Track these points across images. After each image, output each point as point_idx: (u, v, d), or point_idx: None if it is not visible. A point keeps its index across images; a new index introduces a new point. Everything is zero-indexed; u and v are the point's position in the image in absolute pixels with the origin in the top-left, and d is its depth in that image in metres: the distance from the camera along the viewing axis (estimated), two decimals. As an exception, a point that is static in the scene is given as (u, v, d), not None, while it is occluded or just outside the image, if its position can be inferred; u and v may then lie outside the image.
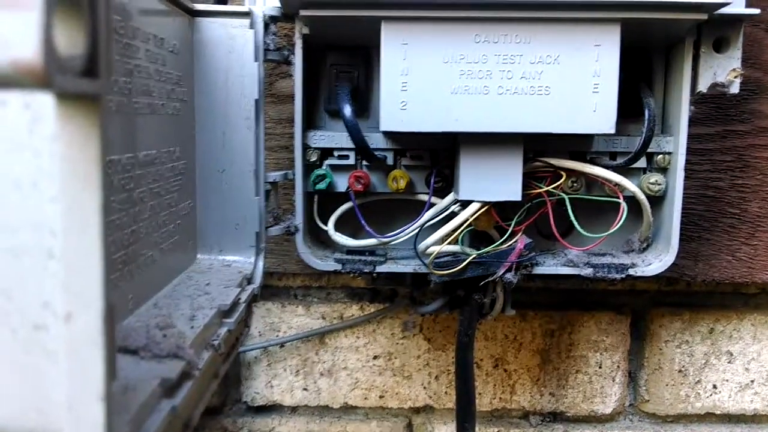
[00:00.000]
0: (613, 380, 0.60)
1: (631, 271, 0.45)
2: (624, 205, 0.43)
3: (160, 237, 0.35)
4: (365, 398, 0.61)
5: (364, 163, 0.46)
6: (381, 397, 0.61)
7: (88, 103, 0.16)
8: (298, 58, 0.43)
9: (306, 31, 0.42)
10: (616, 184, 0.44)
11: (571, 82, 0.40)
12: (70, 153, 0.16)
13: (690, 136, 0.52)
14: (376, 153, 0.45)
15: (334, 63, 0.46)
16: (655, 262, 0.46)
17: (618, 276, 0.45)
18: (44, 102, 0.18)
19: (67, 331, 0.17)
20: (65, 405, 0.17)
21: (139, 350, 0.26)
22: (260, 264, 0.41)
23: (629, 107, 0.44)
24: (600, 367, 0.60)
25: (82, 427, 0.17)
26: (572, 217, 0.43)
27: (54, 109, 0.16)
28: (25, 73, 0.14)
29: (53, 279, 0.18)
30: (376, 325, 0.60)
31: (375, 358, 0.60)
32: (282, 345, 0.60)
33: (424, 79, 0.40)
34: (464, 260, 0.44)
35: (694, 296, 0.59)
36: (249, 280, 0.40)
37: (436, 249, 0.44)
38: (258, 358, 0.60)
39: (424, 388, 0.61)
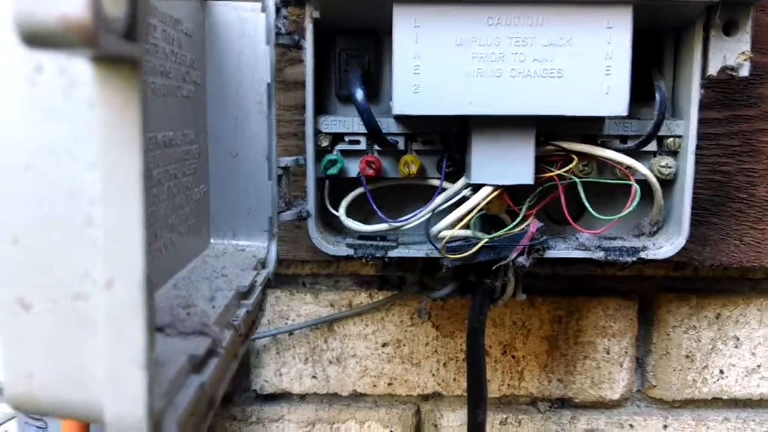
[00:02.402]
0: (621, 366, 0.60)
1: (642, 255, 0.45)
2: (636, 187, 0.43)
3: (176, 220, 0.34)
4: (374, 386, 0.61)
5: (376, 148, 0.46)
6: (390, 384, 0.61)
7: (128, 67, 0.16)
8: (309, 42, 0.43)
9: (317, 14, 0.42)
10: (628, 167, 0.44)
11: (583, 64, 0.40)
12: (110, 118, 0.16)
13: (699, 120, 0.52)
14: (387, 138, 0.45)
15: (344, 47, 0.46)
16: (666, 246, 0.46)
17: (629, 259, 0.45)
18: (80, 68, 0.18)
19: (108, 299, 0.17)
20: (105, 375, 0.17)
21: (165, 327, 0.26)
22: (273, 249, 0.41)
23: (640, 90, 0.44)
24: (608, 353, 0.60)
25: (122, 396, 0.17)
26: (584, 200, 0.43)
27: (92, 74, 0.16)
28: (73, 30, 0.13)
29: (93, 248, 0.18)
30: (384, 313, 0.60)
31: (384, 345, 0.60)
32: (291, 333, 0.60)
33: (437, 62, 0.40)
34: (476, 244, 0.44)
35: (700, 281, 0.59)
36: (263, 265, 0.40)
37: (448, 233, 0.44)
38: (267, 346, 0.60)
39: (433, 375, 0.61)
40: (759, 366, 0.60)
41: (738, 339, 0.60)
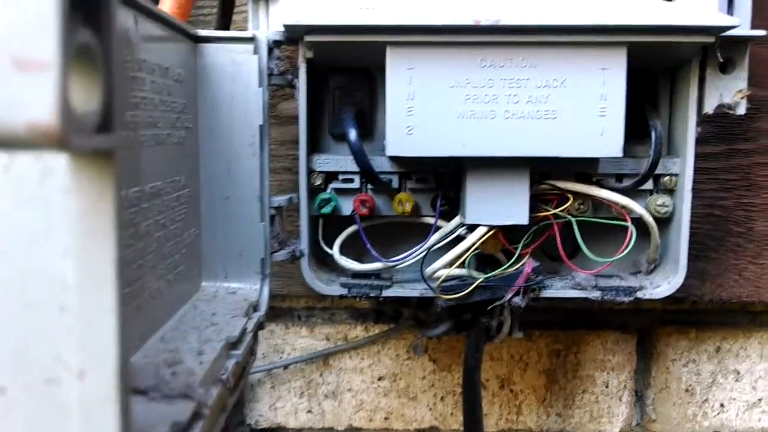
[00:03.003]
0: (620, 400, 0.60)
1: (639, 294, 0.45)
2: (632, 229, 0.42)
3: (165, 268, 0.34)
4: (370, 420, 0.60)
5: (369, 186, 0.46)
6: (386, 418, 0.60)
7: (102, 159, 0.16)
8: (302, 83, 0.43)
9: (310, 55, 0.42)
10: (623, 207, 0.43)
11: (577, 105, 0.40)
12: (83, 208, 0.16)
13: (695, 156, 0.52)
14: (381, 177, 0.45)
15: (338, 86, 0.46)
16: (664, 284, 0.45)
17: (626, 299, 0.45)
18: (55, 153, 0.17)
19: (80, 388, 0.17)
20: (78, 463, 0.17)
21: (149, 391, 0.25)
22: (266, 291, 0.40)
23: (635, 129, 0.44)
24: (607, 387, 0.60)
25: (95, 486, 0.17)
26: (580, 241, 0.43)
27: (66, 164, 0.16)
28: (41, 136, 0.13)
29: (67, 334, 0.17)
30: (380, 346, 0.59)
31: (380, 379, 0.60)
32: (286, 367, 0.59)
33: (431, 104, 0.40)
34: (471, 284, 0.44)
35: (700, 314, 0.59)
36: (255, 308, 0.40)
37: (443, 273, 0.44)
38: (261, 381, 0.60)
39: (430, 409, 0.60)
40: (760, 400, 0.60)
41: (738, 372, 0.59)
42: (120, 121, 0.16)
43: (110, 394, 0.17)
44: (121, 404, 0.17)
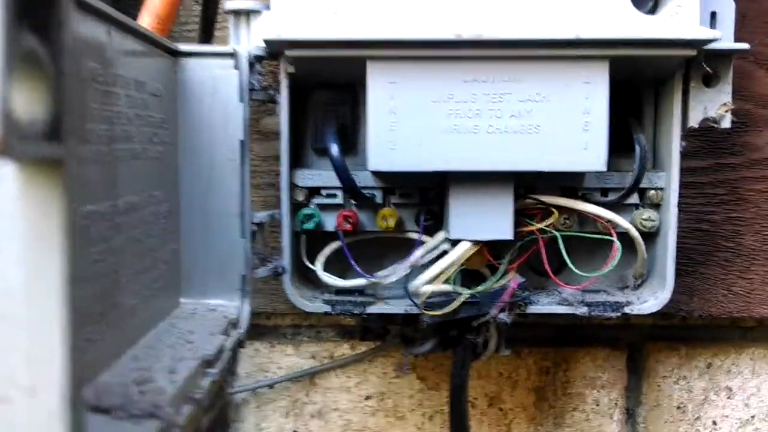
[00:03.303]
0: (611, 418, 0.59)
1: (626, 309, 0.44)
2: (618, 245, 0.42)
3: (140, 284, 0.33)
4: (357, 440, 0.59)
5: (353, 201, 0.46)
6: (374, 438, 0.59)
7: (50, 167, 0.15)
8: (283, 98, 0.42)
9: (291, 70, 0.42)
10: (609, 221, 0.43)
11: (560, 119, 0.40)
12: (31, 217, 0.16)
13: (682, 170, 0.51)
14: (364, 192, 0.44)
15: (321, 101, 0.46)
16: (651, 300, 0.45)
17: (613, 314, 0.44)
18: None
19: (30, 405, 0.16)
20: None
21: (115, 410, 0.24)
22: (246, 308, 0.40)
23: (620, 142, 0.43)
24: (597, 405, 0.59)
25: None
26: (565, 256, 0.42)
27: (14, 172, 0.16)
28: (-21, 142, 0.13)
29: (17, 348, 0.17)
30: (367, 365, 0.58)
31: (367, 398, 0.59)
32: (271, 386, 0.58)
33: (413, 119, 0.40)
34: (456, 300, 0.43)
35: (690, 330, 0.58)
36: (235, 325, 0.39)
37: (427, 289, 0.43)
38: (246, 400, 0.59)
39: (418, 429, 0.59)
40: (753, 417, 0.59)
41: (731, 389, 0.58)
42: (72, 130, 0.16)
43: (61, 412, 0.16)
44: (72, 423, 0.16)
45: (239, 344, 0.38)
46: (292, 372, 0.58)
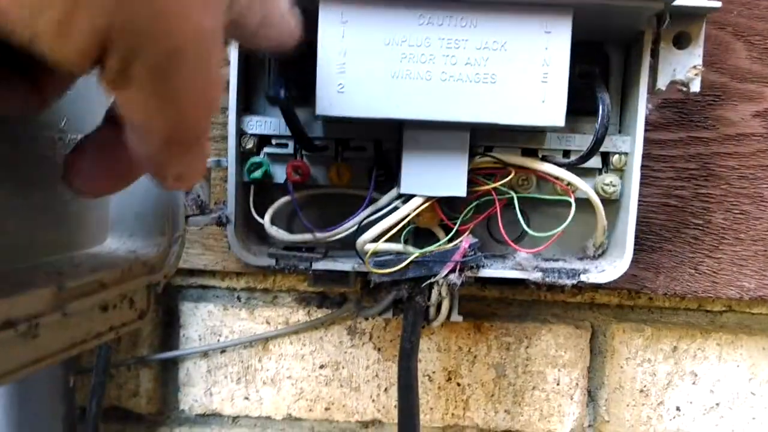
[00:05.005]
0: (572, 398, 0.57)
1: (582, 277, 0.43)
2: (573, 204, 0.40)
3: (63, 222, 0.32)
4: (310, 410, 0.57)
5: (305, 153, 0.44)
6: (327, 409, 0.57)
7: None
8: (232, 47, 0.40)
9: (243, 9, 0.40)
10: (568, 183, 0.41)
11: (518, 70, 0.38)
12: None
13: (652, 142, 0.50)
14: (316, 142, 0.42)
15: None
16: (609, 269, 0.43)
17: (568, 282, 0.42)
18: None
19: None
20: None
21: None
22: (173, 253, 0.37)
23: (586, 104, 0.42)
24: (558, 384, 0.57)
25: None
26: (519, 216, 0.41)
27: None
28: None
29: None
30: (323, 332, 0.56)
31: (321, 367, 0.57)
32: (223, 350, 0.56)
33: (364, 62, 0.38)
34: (406, 259, 0.42)
35: (656, 312, 0.56)
36: (151, 270, 0.37)
37: (373, 246, 0.41)
38: (197, 364, 0.57)
39: (373, 401, 0.57)
40: (718, 404, 0.57)
41: (696, 375, 0.57)
42: None
43: None
44: None
45: (153, 289, 0.36)
46: (245, 337, 0.56)
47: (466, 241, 0.42)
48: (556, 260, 0.45)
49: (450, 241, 0.42)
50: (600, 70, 0.44)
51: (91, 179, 0.25)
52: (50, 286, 0.27)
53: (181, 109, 0.21)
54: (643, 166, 0.43)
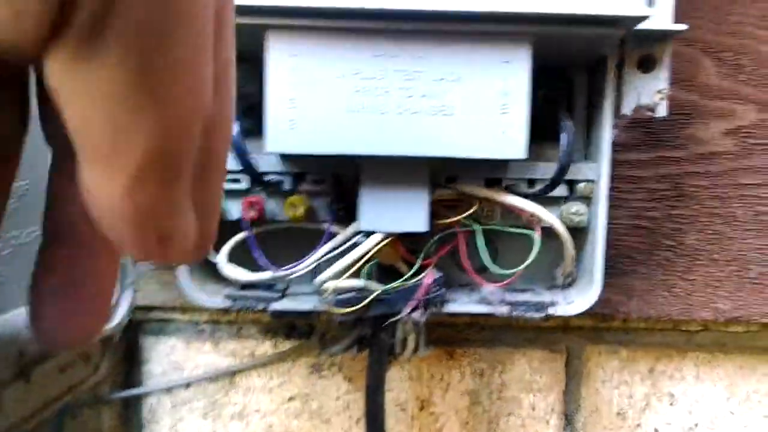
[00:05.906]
0: (548, 423, 0.56)
1: (551, 310, 0.41)
2: (537, 238, 0.38)
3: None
4: (279, 444, 0.55)
5: (259, 188, 0.42)
6: (297, 442, 0.56)
7: None
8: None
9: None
10: (532, 214, 0.40)
11: (477, 101, 0.36)
12: None
13: (622, 163, 0.48)
14: (271, 177, 0.41)
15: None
16: (578, 300, 0.42)
17: (537, 315, 0.41)
18: None
19: None
20: None
21: None
22: (125, 300, 0.36)
23: (551, 131, 0.40)
24: (533, 410, 0.56)
25: None
26: (482, 251, 0.39)
27: None
28: None
29: None
30: (291, 364, 0.55)
31: (290, 399, 0.55)
32: (188, 385, 0.55)
33: (316, 96, 0.36)
34: (368, 297, 0.40)
35: (631, 333, 0.55)
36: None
37: (333, 285, 0.39)
38: (161, 400, 0.55)
39: (344, 432, 0.56)
40: (696, 425, 0.56)
41: (673, 396, 0.56)
42: None
43: None
44: None
45: (108, 342, 0.34)
46: (210, 371, 0.54)
47: (429, 276, 0.40)
48: (524, 291, 0.43)
49: (414, 276, 0.41)
50: (565, 94, 0.43)
51: (62, 323, 0.19)
52: (11, 350, 0.25)
53: (176, 99, 0.14)
54: (612, 188, 0.42)
